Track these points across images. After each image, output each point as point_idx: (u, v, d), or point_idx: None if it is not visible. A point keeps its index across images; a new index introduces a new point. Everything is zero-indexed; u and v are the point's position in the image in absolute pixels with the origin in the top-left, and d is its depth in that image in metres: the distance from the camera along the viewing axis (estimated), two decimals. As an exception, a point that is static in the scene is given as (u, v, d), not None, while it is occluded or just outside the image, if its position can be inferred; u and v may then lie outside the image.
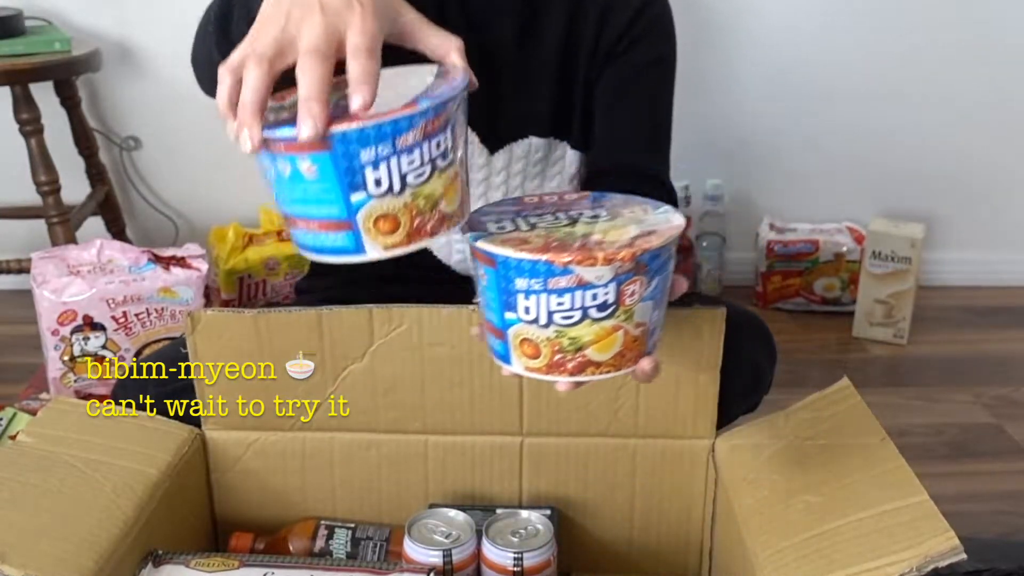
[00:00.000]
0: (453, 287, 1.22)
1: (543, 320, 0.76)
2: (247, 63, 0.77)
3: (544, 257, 0.74)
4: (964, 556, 0.82)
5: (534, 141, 1.25)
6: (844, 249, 2.25)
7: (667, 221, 0.79)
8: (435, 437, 1.13)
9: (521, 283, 0.75)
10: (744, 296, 2.32)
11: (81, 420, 1.08)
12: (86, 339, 1.66)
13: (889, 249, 2.10)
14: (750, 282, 2.37)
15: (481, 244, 0.77)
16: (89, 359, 1.68)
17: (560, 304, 0.75)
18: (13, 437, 1.41)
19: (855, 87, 2.28)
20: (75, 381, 1.69)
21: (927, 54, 2.26)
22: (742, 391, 1.16)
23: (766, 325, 1.23)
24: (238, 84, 0.79)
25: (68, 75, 2.03)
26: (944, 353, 2.11)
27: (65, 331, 1.65)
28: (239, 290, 2.07)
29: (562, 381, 0.79)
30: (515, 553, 1.03)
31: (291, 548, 1.11)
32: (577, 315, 0.76)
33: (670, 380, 1.09)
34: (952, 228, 2.39)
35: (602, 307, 0.76)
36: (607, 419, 1.11)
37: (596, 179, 1.24)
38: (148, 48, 2.18)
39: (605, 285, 0.75)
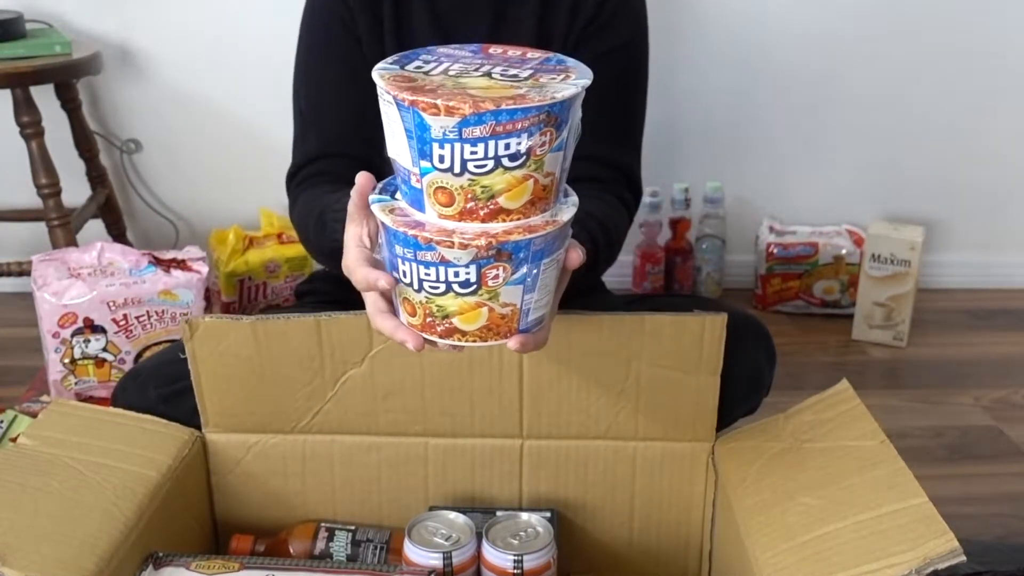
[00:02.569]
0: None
1: (416, 285, 0.82)
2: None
3: (411, 232, 0.79)
4: (964, 558, 0.82)
5: None
6: (844, 252, 2.25)
7: (554, 213, 0.82)
8: (435, 440, 1.13)
9: (398, 249, 0.82)
10: (744, 299, 2.32)
11: (82, 422, 1.08)
12: (87, 342, 1.66)
13: (888, 252, 2.10)
14: (749, 285, 2.37)
15: (375, 208, 0.84)
16: (90, 362, 1.68)
17: (427, 275, 0.81)
18: (14, 439, 1.41)
19: (855, 90, 2.28)
20: (76, 384, 1.69)
21: (927, 57, 2.26)
22: (742, 393, 1.16)
23: (766, 327, 1.23)
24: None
25: (69, 78, 2.03)
26: (943, 356, 2.10)
27: (66, 334, 1.65)
28: (239, 293, 2.07)
29: (436, 340, 0.84)
30: (515, 555, 1.03)
31: (291, 550, 1.11)
32: (442, 287, 0.81)
33: (670, 384, 1.09)
34: (951, 231, 2.39)
35: (464, 284, 0.81)
36: (607, 422, 1.11)
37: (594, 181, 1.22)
38: (149, 51, 2.18)
39: (466, 266, 0.79)
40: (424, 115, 0.76)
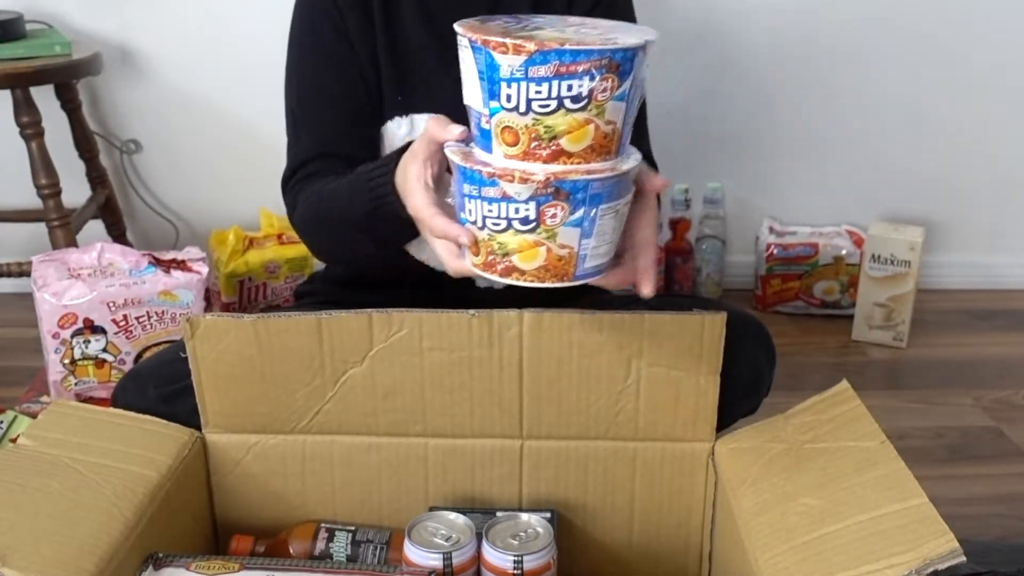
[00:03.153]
0: (455, 292, 1.23)
1: (480, 223, 0.87)
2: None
3: (476, 167, 0.84)
4: (964, 559, 0.82)
5: None
6: (843, 252, 2.25)
7: (615, 164, 0.86)
8: (435, 440, 1.13)
9: (465, 188, 0.87)
10: (744, 299, 2.32)
11: (82, 423, 1.08)
12: (87, 342, 1.66)
13: (888, 252, 2.10)
14: (749, 285, 2.37)
15: (448, 149, 0.90)
16: (90, 362, 1.68)
17: (490, 211, 0.85)
18: (14, 440, 1.41)
19: (855, 91, 2.28)
20: (76, 384, 1.69)
21: (927, 57, 2.26)
22: (742, 393, 1.16)
23: (765, 327, 1.23)
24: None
25: (69, 78, 2.03)
26: (943, 356, 2.11)
27: (65, 334, 1.65)
28: (239, 293, 2.08)
29: (494, 279, 0.89)
30: (515, 556, 1.03)
31: (291, 551, 1.11)
32: (503, 223, 0.86)
33: (670, 384, 1.09)
34: (951, 231, 2.39)
35: (524, 221, 0.85)
36: (607, 422, 1.11)
37: None
38: (149, 52, 2.18)
39: (525, 202, 0.84)
40: (494, 54, 0.81)
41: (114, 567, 0.92)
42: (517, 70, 0.81)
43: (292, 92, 1.28)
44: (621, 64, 0.82)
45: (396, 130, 1.24)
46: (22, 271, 2.02)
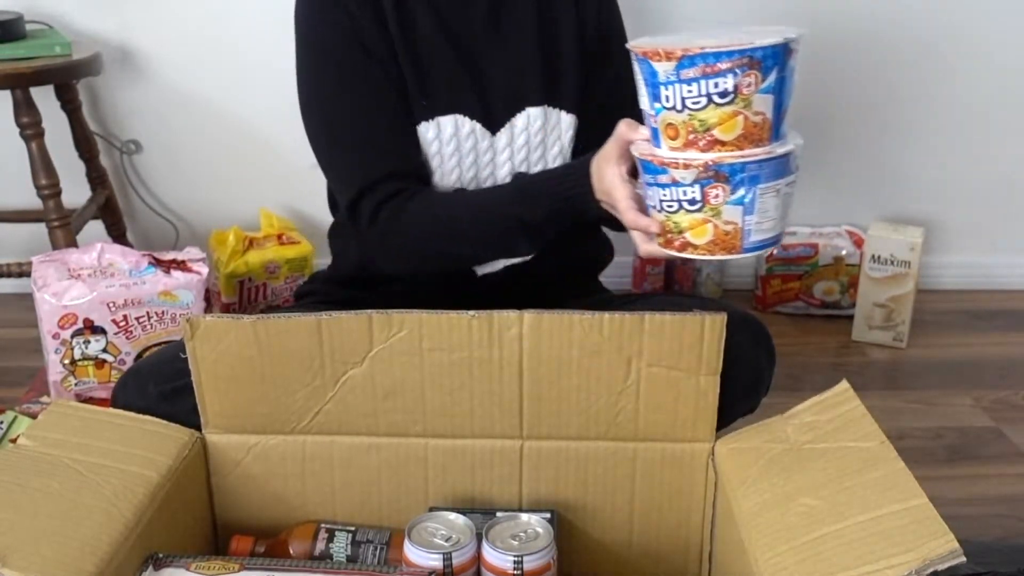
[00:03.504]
0: (454, 293, 1.23)
1: (658, 206, 1.00)
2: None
3: (650, 157, 0.98)
4: (964, 559, 0.82)
5: (531, 112, 1.28)
6: (843, 253, 2.25)
7: (774, 146, 0.98)
8: (435, 441, 1.13)
9: (646, 177, 1.00)
10: (744, 299, 2.32)
11: (82, 423, 1.08)
12: (86, 342, 1.66)
13: (888, 253, 2.10)
14: (749, 285, 2.37)
15: (633, 149, 1.03)
16: (90, 362, 1.68)
17: (664, 196, 0.99)
18: (14, 440, 1.41)
19: (855, 91, 2.28)
20: (76, 384, 1.69)
21: (926, 57, 2.26)
22: (741, 393, 1.16)
23: (765, 327, 1.23)
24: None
25: (69, 79, 2.03)
26: (943, 356, 2.11)
27: (66, 334, 1.65)
28: (239, 294, 2.08)
29: (673, 255, 1.02)
30: (515, 556, 1.03)
31: (291, 551, 1.11)
32: (675, 205, 0.99)
33: (670, 384, 1.09)
34: (951, 232, 2.39)
35: (691, 202, 0.97)
36: (607, 423, 1.11)
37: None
38: (149, 52, 2.18)
39: (691, 185, 0.96)
40: (652, 62, 0.94)
41: (114, 567, 0.92)
42: (671, 74, 0.94)
43: (335, 118, 1.26)
44: (762, 61, 0.93)
45: (425, 134, 1.25)
46: (22, 271, 2.01)
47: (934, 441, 1.77)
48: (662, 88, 0.95)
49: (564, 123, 1.31)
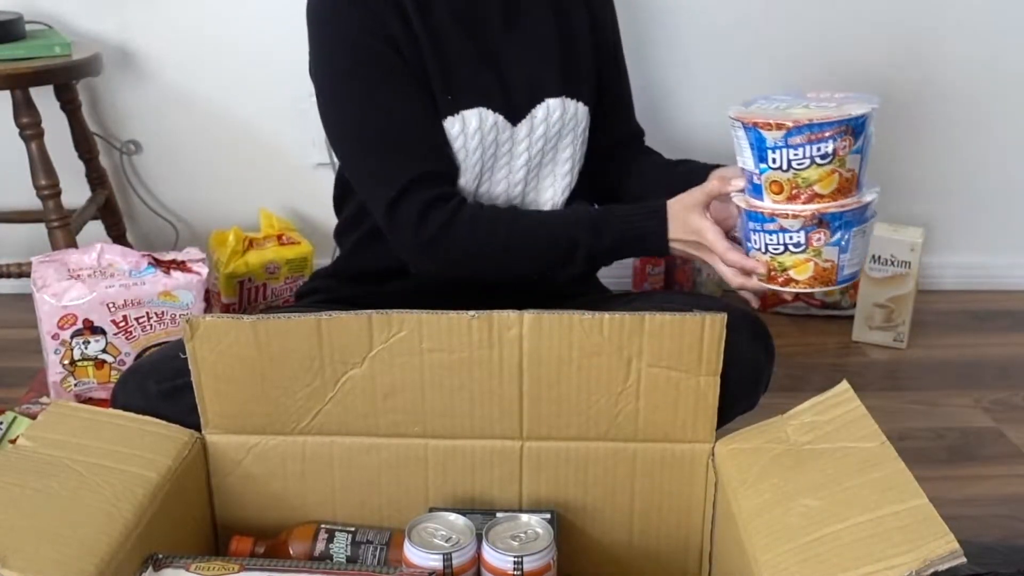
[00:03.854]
0: (456, 292, 1.23)
1: (763, 249, 1.15)
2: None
3: (760, 209, 1.14)
4: (964, 559, 0.82)
5: (550, 103, 1.32)
6: (844, 253, 2.25)
7: (861, 195, 1.15)
8: (435, 441, 1.13)
9: (751, 224, 1.16)
10: (744, 300, 2.32)
11: (81, 424, 1.08)
12: (86, 343, 1.66)
13: (889, 253, 2.10)
14: (750, 286, 2.37)
15: (735, 198, 1.18)
16: (89, 363, 1.68)
17: (770, 240, 1.14)
18: (13, 441, 1.40)
19: (853, 90, 2.28)
20: (75, 385, 1.69)
21: (926, 57, 2.26)
22: (741, 389, 1.17)
23: (764, 323, 1.24)
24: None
25: (68, 79, 2.03)
26: (944, 357, 2.10)
27: (65, 335, 1.65)
28: (239, 294, 2.07)
29: (775, 289, 1.17)
30: (515, 557, 1.03)
31: (291, 552, 1.11)
32: (781, 248, 1.14)
33: (670, 384, 1.09)
34: (952, 232, 2.39)
35: (796, 245, 1.14)
36: (607, 423, 1.11)
37: (631, 145, 1.50)
38: (149, 52, 2.18)
39: (797, 231, 1.12)
40: (762, 131, 1.10)
41: (114, 568, 0.92)
42: (779, 141, 1.10)
43: (366, 115, 1.26)
44: (855, 127, 1.10)
45: (450, 128, 1.27)
46: (22, 272, 2.01)
47: (934, 442, 1.77)
48: (769, 152, 1.13)
49: (580, 114, 1.35)
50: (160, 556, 1.00)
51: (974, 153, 2.34)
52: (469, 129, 1.27)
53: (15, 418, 1.53)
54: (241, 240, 2.08)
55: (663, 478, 1.14)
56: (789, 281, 1.17)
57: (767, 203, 1.15)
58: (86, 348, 1.67)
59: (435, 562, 1.03)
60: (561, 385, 1.10)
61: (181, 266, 1.72)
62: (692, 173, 1.33)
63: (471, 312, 1.07)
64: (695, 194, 1.22)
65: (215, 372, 1.10)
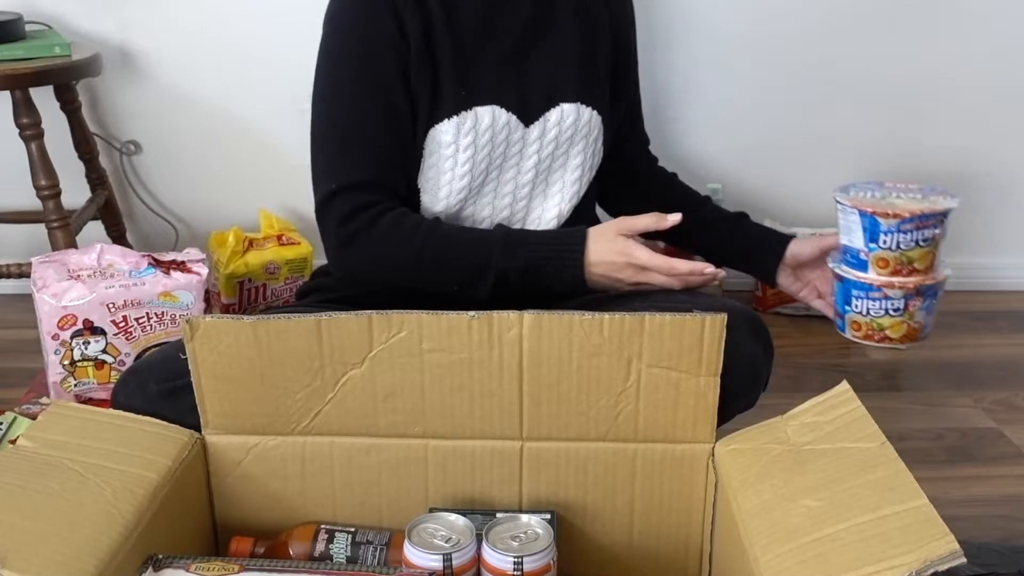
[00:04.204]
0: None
1: (864, 312, 1.41)
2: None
3: (867, 281, 1.39)
4: (964, 560, 0.82)
5: (565, 108, 1.34)
6: (844, 253, 2.25)
7: (943, 269, 1.45)
8: (435, 441, 1.13)
9: (854, 292, 1.41)
10: (744, 300, 2.32)
11: (81, 424, 1.08)
12: (86, 343, 1.66)
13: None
14: (750, 286, 2.37)
15: (835, 268, 1.42)
16: (89, 363, 1.68)
17: (872, 305, 1.40)
18: (13, 441, 1.40)
19: (855, 91, 2.28)
20: (75, 385, 1.69)
21: (927, 57, 2.26)
22: (740, 388, 1.17)
23: (762, 321, 1.24)
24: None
25: (68, 80, 2.03)
26: (944, 358, 2.10)
27: (65, 335, 1.65)
28: (239, 294, 2.07)
29: (868, 344, 1.42)
30: (515, 557, 1.03)
31: (291, 552, 1.11)
32: (882, 312, 1.40)
33: (670, 385, 1.09)
34: (951, 233, 2.38)
35: (896, 310, 1.41)
36: (607, 424, 1.11)
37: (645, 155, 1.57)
38: (148, 53, 2.18)
39: (899, 299, 1.39)
40: (877, 218, 1.36)
41: (114, 568, 0.92)
42: (893, 226, 1.37)
43: (340, 110, 1.28)
44: (946, 216, 1.39)
45: (462, 123, 1.28)
46: (22, 272, 2.01)
47: (935, 442, 1.77)
48: (882, 235, 1.39)
49: (593, 121, 1.36)
50: (160, 556, 1.00)
51: (975, 154, 2.34)
52: (481, 125, 1.28)
53: (15, 418, 1.53)
54: (241, 240, 2.08)
55: (663, 479, 1.14)
56: (884, 339, 1.46)
57: (873, 275, 1.42)
58: (86, 348, 1.67)
59: (435, 562, 1.03)
60: (561, 385, 1.10)
61: (181, 266, 1.72)
62: (763, 242, 1.51)
63: (471, 312, 1.07)
64: (621, 222, 1.27)
65: (215, 372, 1.10)
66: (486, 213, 1.35)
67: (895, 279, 1.42)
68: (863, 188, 1.47)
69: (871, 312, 1.44)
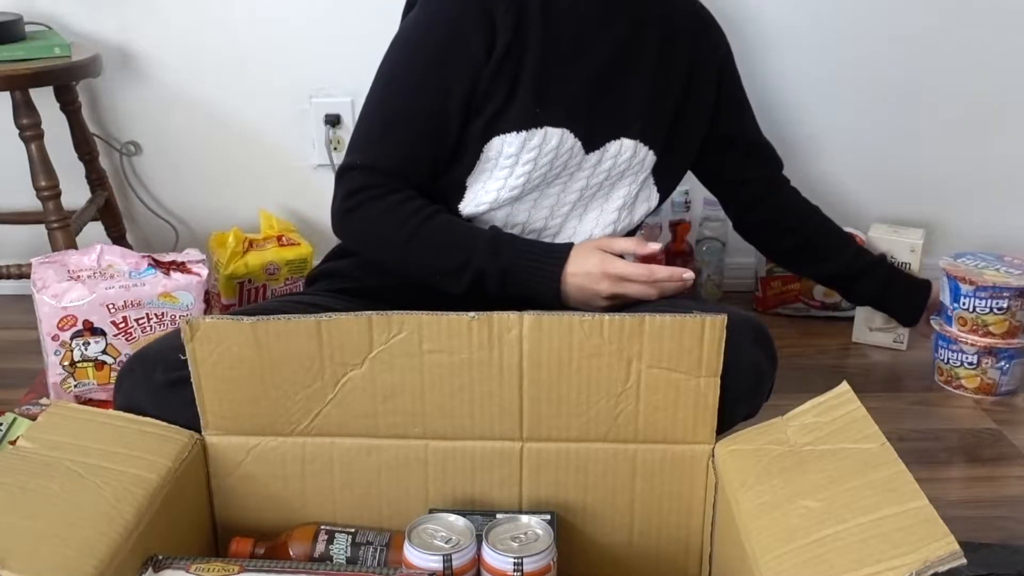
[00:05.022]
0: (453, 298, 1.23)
1: (946, 362, 1.84)
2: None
3: (947, 332, 1.80)
4: (964, 561, 0.82)
5: (625, 143, 1.36)
6: (844, 254, 2.25)
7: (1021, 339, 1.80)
8: (435, 442, 1.13)
9: (940, 342, 1.81)
10: (744, 301, 2.32)
11: (81, 425, 1.08)
12: (86, 344, 1.66)
13: (889, 255, 2.10)
14: (750, 287, 2.37)
15: (932, 322, 1.85)
16: (89, 364, 1.68)
17: (952, 355, 1.81)
18: (13, 442, 1.40)
19: (855, 92, 2.28)
20: (75, 386, 1.69)
21: (927, 58, 2.26)
22: (743, 395, 1.17)
23: (767, 329, 1.23)
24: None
25: (68, 80, 2.03)
26: (944, 358, 2.10)
27: (65, 336, 1.65)
28: (239, 295, 2.07)
29: (946, 388, 1.84)
30: (515, 558, 1.03)
31: (291, 553, 1.11)
32: (959, 362, 1.82)
33: (670, 386, 1.09)
34: (952, 234, 2.39)
35: (970, 364, 1.81)
36: (607, 424, 1.11)
37: (754, 156, 1.63)
38: (148, 54, 2.18)
39: (972, 355, 1.76)
40: (959, 283, 1.75)
41: (114, 569, 0.92)
42: (970, 292, 1.76)
43: (394, 96, 1.32)
44: (1022, 293, 1.70)
45: (529, 140, 1.29)
46: (22, 273, 2.01)
47: (934, 443, 1.76)
48: (962, 297, 1.78)
49: (647, 161, 1.39)
50: (160, 557, 1.00)
51: (975, 154, 2.34)
52: (548, 145, 1.30)
53: (15, 419, 1.53)
54: (241, 241, 2.08)
55: (663, 479, 1.14)
56: (960, 387, 1.87)
57: (955, 330, 1.82)
58: (86, 349, 1.67)
59: (435, 563, 1.03)
60: (561, 386, 1.10)
61: (181, 267, 1.72)
62: (912, 289, 1.81)
63: (471, 313, 1.07)
64: (601, 240, 1.31)
65: (215, 373, 1.10)
66: (520, 219, 1.37)
67: (970, 336, 1.79)
68: (979, 257, 1.85)
69: (950, 361, 1.86)
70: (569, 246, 1.29)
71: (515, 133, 1.29)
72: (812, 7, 2.22)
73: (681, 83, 1.42)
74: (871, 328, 2.16)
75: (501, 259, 1.26)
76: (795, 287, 2.28)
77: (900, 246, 2.09)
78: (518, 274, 1.27)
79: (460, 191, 1.33)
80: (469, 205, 1.34)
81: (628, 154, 1.37)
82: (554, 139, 1.30)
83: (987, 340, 1.78)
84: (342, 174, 1.32)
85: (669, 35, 1.41)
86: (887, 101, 2.30)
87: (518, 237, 1.33)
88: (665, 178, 1.46)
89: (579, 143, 1.33)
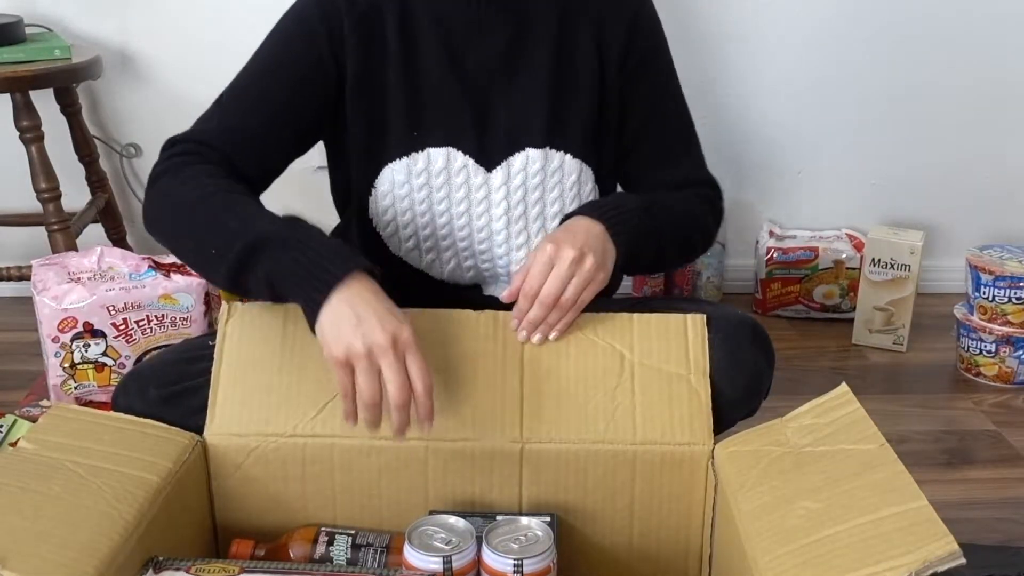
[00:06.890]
0: (453, 299, 1.23)
1: (967, 350, 1.90)
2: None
3: (968, 321, 1.86)
4: (963, 561, 0.82)
5: (531, 153, 1.25)
6: (843, 256, 2.26)
7: None
8: (435, 444, 1.13)
9: (962, 331, 1.81)
10: (744, 303, 2.32)
11: (82, 427, 1.08)
12: (86, 346, 1.66)
13: (888, 256, 2.10)
14: (750, 289, 2.37)
15: (955, 311, 1.95)
16: (89, 366, 1.68)
17: (972, 343, 1.87)
18: (14, 444, 1.40)
19: (855, 94, 2.28)
20: (75, 388, 1.69)
21: (927, 60, 2.26)
22: (741, 395, 1.17)
23: (764, 329, 1.23)
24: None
25: (68, 82, 2.03)
26: (944, 360, 2.10)
27: (65, 338, 1.65)
28: (240, 297, 2.07)
29: (966, 375, 1.94)
30: (515, 560, 1.03)
31: (291, 555, 1.11)
32: (978, 350, 1.88)
33: (662, 380, 1.10)
34: (952, 235, 2.39)
35: (989, 352, 1.88)
36: (606, 426, 1.11)
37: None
38: (148, 55, 2.19)
39: (991, 343, 1.77)
40: (979, 272, 1.84)
41: (114, 570, 0.92)
42: (990, 281, 1.85)
43: (240, 79, 1.33)
44: None
45: (413, 165, 1.23)
46: (22, 275, 2.02)
47: (934, 444, 1.77)
48: (982, 286, 1.88)
49: (567, 167, 1.25)
50: (160, 558, 1.00)
51: (975, 156, 2.35)
52: (434, 167, 1.23)
53: (15, 421, 1.53)
54: (241, 243, 2.07)
55: (663, 481, 1.14)
56: (979, 375, 1.96)
57: (976, 319, 1.92)
58: (86, 351, 1.67)
59: (435, 565, 1.03)
60: (561, 388, 1.10)
61: (181, 269, 1.72)
62: None
63: (474, 313, 1.07)
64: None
65: (237, 359, 1.13)
66: (451, 256, 1.29)
67: (989, 325, 1.88)
68: (1005, 249, 1.95)
69: (970, 349, 1.94)
70: (368, 266, 1.07)
71: (399, 160, 1.24)
72: (813, 8, 2.22)
73: (592, 72, 1.27)
74: (871, 330, 2.16)
75: (262, 263, 1.06)
76: (795, 289, 2.28)
77: (900, 248, 2.09)
78: (287, 280, 1.06)
79: (373, 231, 1.29)
80: (388, 245, 1.29)
81: (538, 164, 1.24)
82: (439, 160, 1.23)
83: (1006, 329, 1.87)
84: (170, 142, 1.26)
85: (568, 23, 1.27)
86: (887, 102, 2.30)
87: (314, 237, 1.14)
88: (610, 178, 1.34)
89: (471, 161, 1.24)
